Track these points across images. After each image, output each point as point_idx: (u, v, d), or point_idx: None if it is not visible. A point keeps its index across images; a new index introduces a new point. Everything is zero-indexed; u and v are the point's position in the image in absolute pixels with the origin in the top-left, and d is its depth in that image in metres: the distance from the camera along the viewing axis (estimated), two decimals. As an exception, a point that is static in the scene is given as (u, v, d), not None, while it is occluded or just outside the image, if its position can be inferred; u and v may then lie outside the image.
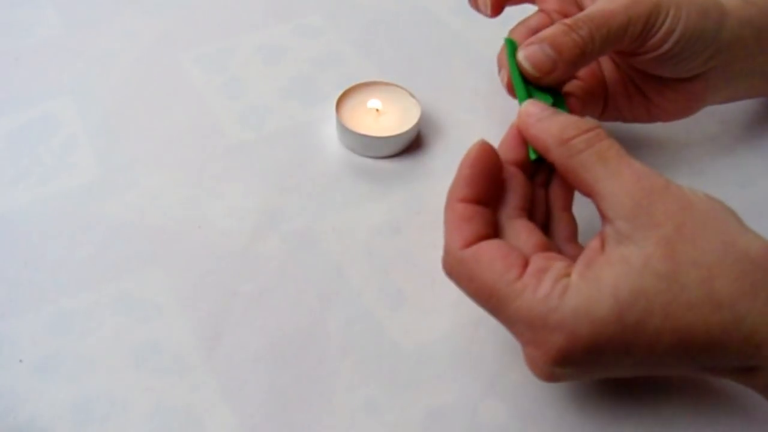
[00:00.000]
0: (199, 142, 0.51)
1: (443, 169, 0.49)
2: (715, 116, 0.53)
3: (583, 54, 0.39)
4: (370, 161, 0.50)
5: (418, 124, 0.50)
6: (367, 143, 0.49)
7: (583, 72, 0.45)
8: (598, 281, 0.32)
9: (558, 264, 0.33)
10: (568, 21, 0.39)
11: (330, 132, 0.52)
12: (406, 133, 0.49)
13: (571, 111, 0.41)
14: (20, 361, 0.40)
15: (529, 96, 0.39)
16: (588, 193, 0.34)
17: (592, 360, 0.32)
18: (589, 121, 0.35)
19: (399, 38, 0.59)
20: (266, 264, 0.44)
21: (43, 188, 0.48)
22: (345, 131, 0.50)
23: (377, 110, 0.51)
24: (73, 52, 0.58)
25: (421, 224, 0.46)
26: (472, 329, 0.41)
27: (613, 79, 0.46)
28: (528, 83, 0.39)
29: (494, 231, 0.35)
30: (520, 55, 0.39)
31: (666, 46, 0.41)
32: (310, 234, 0.46)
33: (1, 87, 0.55)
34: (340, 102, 0.51)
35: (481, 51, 0.58)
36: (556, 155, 0.35)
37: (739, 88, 0.47)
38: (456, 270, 0.35)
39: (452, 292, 0.43)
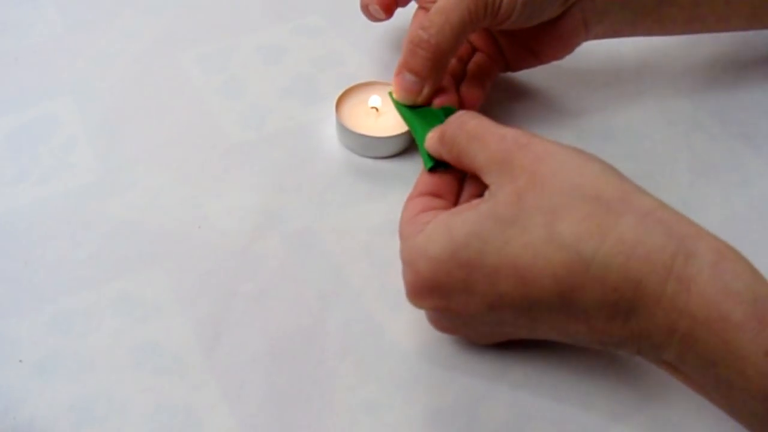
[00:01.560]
0: (199, 142, 0.51)
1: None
2: (715, 116, 0.53)
3: (439, 58, 0.43)
4: (370, 161, 0.50)
5: None
6: (367, 143, 0.49)
7: (480, 45, 0.50)
8: (443, 225, 0.35)
9: (433, 215, 0.36)
10: (413, 36, 0.43)
11: (330, 132, 0.52)
12: (406, 133, 0.49)
13: (467, 100, 0.47)
14: (20, 361, 0.40)
15: (421, 121, 0.44)
16: (474, 173, 0.37)
17: (441, 294, 0.35)
18: (460, 116, 0.38)
19: (399, 38, 0.59)
20: (266, 264, 0.44)
21: (43, 188, 0.48)
22: (344, 131, 0.50)
23: (377, 110, 0.51)
24: (73, 52, 0.58)
25: (421, 224, 0.46)
26: (472, 329, 0.41)
27: (502, 42, 0.50)
28: (418, 109, 0.45)
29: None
30: (395, 96, 0.45)
31: (516, 12, 0.43)
32: (310, 234, 0.46)
33: (1, 87, 0.55)
34: (339, 102, 0.51)
35: (481, 51, 0.58)
36: (444, 154, 0.39)
37: (615, 22, 0.48)
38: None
39: (452, 292, 0.43)
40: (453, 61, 0.47)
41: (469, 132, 0.37)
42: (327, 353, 0.40)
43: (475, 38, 0.50)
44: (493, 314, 0.35)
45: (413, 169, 0.50)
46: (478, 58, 0.50)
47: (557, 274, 0.32)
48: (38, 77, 0.56)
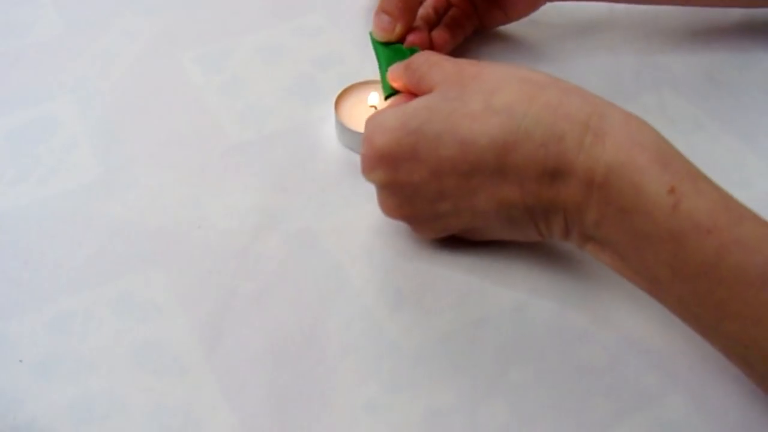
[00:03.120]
0: (199, 142, 0.51)
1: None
2: (715, 116, 0.53)
3: (409, 2, 0.50)
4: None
5: None
6: None
7: (455, 1, 0.56)
8: (398, 106, 0.41)
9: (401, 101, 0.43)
10: None
11: (330, 132, 0.52)
12: None
13: (437, 42, 0.53)
14: (20, 361, 0.40)
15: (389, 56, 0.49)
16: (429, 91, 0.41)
17: (388, 164, 0.40)
18: (426, 54, 0.44)
19: (399, 38, 0.59)
20: (266, 264, 0.44)
21: (43, 188, 0.48)
22: (343, 130, 0.50)
23: (375, 108, 0.51)
24: (73, 52, 0.58)
25: (421, 224, 0.46)
26: (472, 329, 0.41)
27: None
28: (390, 46, 0.50)
29: None
30: (373, 32, 0.50)
31: None
32: (310, 234, 0.46)
33: (1, 87, 0.55)
34: (338, 101, 0.51)
35: (480, 50, 0.58)
36: (405, 79, 0.43)
37: None
38: None
39: (452, 292, 0.43)
40: (429, 11, 0.54)
41: (430, 60, 0.42)
42: (327, 353, 0.40)
43: None
44: (435, 182, 0.39)
45: (413, 169, 0.50)
46: (452, 11, 0.55)
47: (493, 134, 0.37)
48: (38, 77, 0.56)
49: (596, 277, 0.43)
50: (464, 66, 0.40)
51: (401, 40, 0.50)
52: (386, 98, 0.46)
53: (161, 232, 0.46)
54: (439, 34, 0.53)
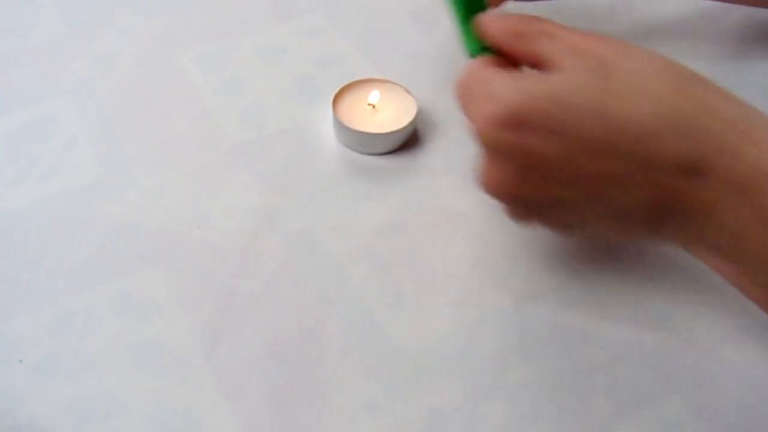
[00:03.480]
0: (199, 142, 0.51)
1: (440, 166, 0.49)
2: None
3: None
4: (369, 159, 0.50)
5: (414, 120, 0.50)
6: (364, 140, 0.49)
7: None
8: (535, 73, 0.36)
9: (515, 70, 0.37)
10: None
11: (330, 131, 0.52)
12: (403, 129, 0.49)
13: None
14: (20, 361, 0.40)
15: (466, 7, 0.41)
16: (543, 63, 0.37)
17: (525, 127, 0.34)
18: (530, 17, 0.38)
19: (398, 38, 0.59)
20: (266, 264, 0.44)
21: (43, 188, 0.48)
22: (342, 128, 0.50)
23: (373, 106, 0.51)
24: (73, 52, 0.58)
25: (421, 224, 0.46)
26: (472, 329, 0.41)
27: None
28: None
29: None
30: None
31: None
32: (310, 234, 0.46)
33: (1, 87, 0.55)
34: (336, 100, 0.51)
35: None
36: (514, 45, 0.38)
37: None
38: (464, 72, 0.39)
39: (452, 292, 0.43)
40: None
41: (548, 30, 0.37)
42: (327, 353, 0.40)
43: None
44: (568, 162, 0.35)
45: (411, 167, 0.50)
46: None
47: (645, 122, 0.34)
48: (38, 77, 0.56)
49: (596, 277, 0.43)
50: (597, 45, 0.36)
51: None
52: (473, 56, 0.40)
53: (161, 232, 0.46)
54: None
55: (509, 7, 0.51)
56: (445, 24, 0.60)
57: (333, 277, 0.44)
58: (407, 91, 0.52)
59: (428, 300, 0.43)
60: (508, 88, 0.35)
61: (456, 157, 0.50)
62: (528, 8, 0.55)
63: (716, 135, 0.34)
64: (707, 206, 0.34)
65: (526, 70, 0.37)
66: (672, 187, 0.34)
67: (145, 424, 0.38)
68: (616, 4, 0.59)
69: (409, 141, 0.51)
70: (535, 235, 0.45)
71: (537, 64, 0.37)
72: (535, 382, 0.39)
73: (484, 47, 0.39)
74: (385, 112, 0.51)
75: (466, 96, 0.37)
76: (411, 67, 0.56)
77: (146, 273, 0.44)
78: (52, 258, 0.45)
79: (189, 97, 0.55)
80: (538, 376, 0.39)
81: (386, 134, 0.49)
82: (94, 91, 0.55)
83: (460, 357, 0.40)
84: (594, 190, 0.36)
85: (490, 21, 0.39)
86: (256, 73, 0.56)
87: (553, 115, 0.34)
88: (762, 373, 0.40)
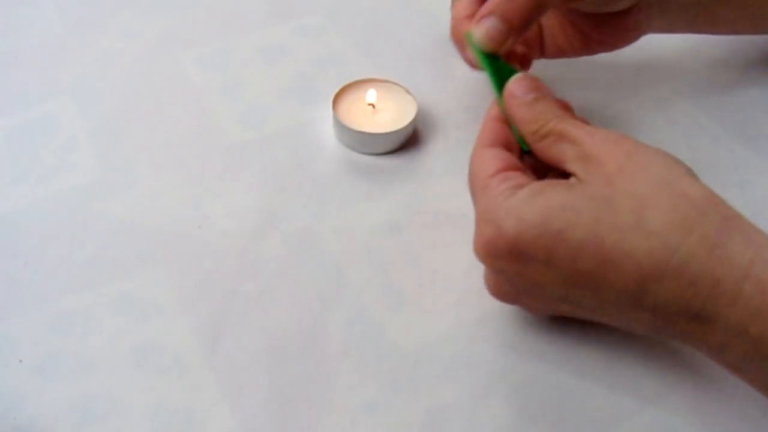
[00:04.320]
0: (199, 142, 0.51)
1: (440, 167, 0.49)
2: (715, 116, 0.53)
3: (534, 10, 0.41)
4: (369, 159, 0.50)
5: (414, 120, 0.50)
6: (365, 140, 0.49)
7: None
8: (539, 194, 0.35)
9: (522, 178, 0.37)
10: None
11: (330, 131, 0.52)
12: (403, 129, 0.49)
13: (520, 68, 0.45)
14: (20, 361, 0.40)
15: (496, 73, 0.41)
16: (557, 165, 0.37)
17: (516, 259, 0.35)
18: (551, 113, 0.38)
19: (398, 38, 0.59)
20: (266, 264, 0.44)
21: (43, 188, 0.48)
22: (342, 128, 0.50)
23: (373, 106, 0.51)
24: (73, 52, 0.58)
25: (421, 224, 0.46)
26: (472, 329, 0.41)
27: (550, 21, 0.49)
28: (493, 58, 0.42)
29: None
30: (475, 38, 0.42)
31: None
32: (310, 234, 0.46)
33: (1, 87, 0.55)
34: (336, 99, 0.51)
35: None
36: (530, 142, 0.39)
37: (675, 20, 0.49)
38: (471, 157, 0.40)
39: (452, 292, 0.43)
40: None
41: (561, 130, 0.37)
42: (327, 353, 0.40)
43: None
44: (563, 289, 0.35)
45: (411, 166, 0.50)
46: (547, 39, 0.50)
47: (640, 260, 0.32)
48: (38, 77, 0.56)
49: (596, 277, 0.43)
50: (605, 149, 0.35)
51: (504, 54, 0.42)
52: (525, 153, 0.40)
53: (161, 232, 0.46)
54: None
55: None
56: (445, 24, 0.60)
57: (333, 277, 0.44)
58: (407, 91, 0.52)
59: (428, 300, 0.43)
60: (509, 217, 0.35)
61: (456, 157, 0.50)
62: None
63: (727, 285, 0.31)
64: (717, 345, 0.33)
65: (532, 183, 0.36)
66: (675, 325, 0.34)
67: (145, 424, 0.38)
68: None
69: (409, 141, 0.51)
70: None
71: (554, 163, 0.37)
72: (535, 382, 0.39)
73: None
74: (385, 112, 0.51)
75: (474, 193, 0.38)
76: (411, 67, 0.56)
77: (146, 273, 0.44)
78: (52, 258, 0.45)
79: (189, 97, 0.55)
80: (538, 376, 0.39)
81: (386, 134, 0.49)
82: (94, 91, 0.55)
83: (460, 357, 0.40)
84: (590, 311, 0.36)
85: (512, 106, 0.39)
86: (256, 73, 0.56)
87: (550, 250, 0.34)
88: (762, 373, 0.40)
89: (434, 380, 0.39)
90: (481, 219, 0.36)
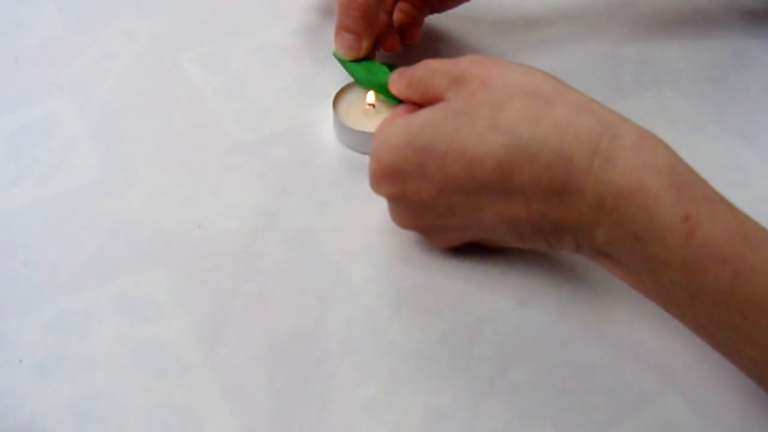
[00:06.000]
0: (199, 142, 0.51)
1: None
2: (715, 116, 0.53)
3: (369, 15, 0.48)
4: (369, 159, 0.50)
5: None
6: (364, 140, 0.49)
7: None
8: (403, 120, 0.39)
9: (402, 111, 0.42)
10: None
11: (330, 131, 0.52)
12: None
13: (392, 44, 0.53)
14: (20, 361, 0.40)
15: (371, 73, 0.49)
16: (439, 101, 0.40)
17: (398, 180, 0.39)
18: (423, 62, 0.43)
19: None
20: (266, 264, 0.44)
21: (43, 188, 0.48)
22: (342, 128, 0.50)
23: (373, 106, 0.51)
24: (73, 52, 0.58)
25: (421, 224, 0.46)
26: (472, 329, 0.41)
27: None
28: (363, 62, 0.50)
29: None
30: (337, 52, 0.50)
31: None
32: (310, 234, 0.46)
33: (1, 87, 0.55)
34: (336, 99, 0.51)
35: (479, 50, 0.58)
36: (411, 94, 0.43)
37: None
38: None
39: (452, 292, 0.43)
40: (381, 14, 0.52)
41: (431, 67, 0.41)
42: (327, 353, 0.40)
43: None
44: (443, 198, 0.39)
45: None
46: (402, 5, 0.55)
47: (498, 155, 0.36)
48: (38, 77, 0.56)
49: (596, 277, 0.43)
50: (468, 68, 0.39)
51: (370, 55, 0.50)
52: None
53: (161, 232, 0.46)
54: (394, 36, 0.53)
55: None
56: (445, 24, 0.60)
57: (333, 277, 0.44)
58: (407, 91, 0.52)
59: (428, 300, 0.43)
60: (383, 146, 0.39)
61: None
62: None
63: (579, 161, 0.34)
64: (586, 225, 0.36)
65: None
66: (546, 211, 0.36)
67: (145, 424, 0.38)
68: (612, 4, 0.59)
69: (409, 141, 0.51)
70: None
71: (435, 100, 0.41)
72: (535, 382, 0.39)
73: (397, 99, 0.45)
74: (385, 112, 0.51)
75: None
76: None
77: (146, 273, 0.44)
78: (52, 258, 0.45)
79: (189, 97, 0.55)
80: (538, 376, 0.39)
81: (386, 134, 0.49)
82: (94, 91, 0.55)
83: (460, 357, 0.40)
84: (475, 218, 0.39)
85: (393, 84, 0.44)
86: (256, 73, 0.56)
87: (420, 165, 0.38)
88: (762, 373, 0.40)
89: (434, 380, 0.39)
90: (370, 156, 0.41)
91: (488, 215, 0.39)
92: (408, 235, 0.45)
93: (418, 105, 0.42)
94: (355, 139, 0.50)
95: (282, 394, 0.39)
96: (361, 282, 0.43)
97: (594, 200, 0.35)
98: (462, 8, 0.57)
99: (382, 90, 0.47)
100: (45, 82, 0.56)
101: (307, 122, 0.53)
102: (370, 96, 0.51)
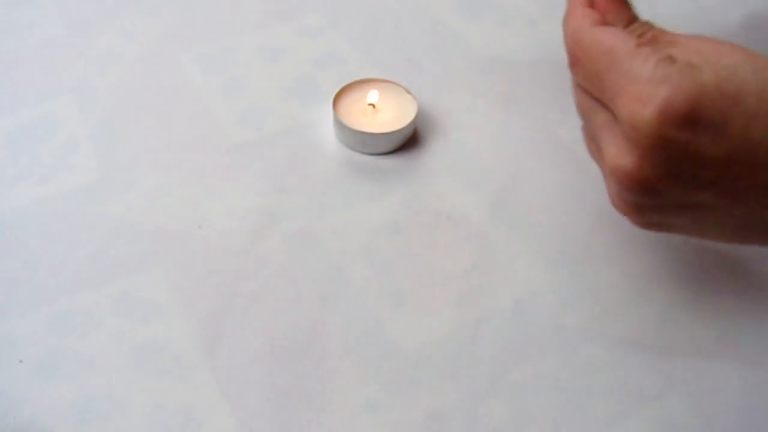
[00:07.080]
0: (199, 142, 0.51)
1: (440, 166, 0.49)
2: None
3: None
4: (369, 159, 0.50)
5: (414, 120, 0.50)
6: (364, 140, 0.49)
7: None
8: (701, 53, 0.31)
9: (667, 37, 0.34)
10: None
11: (330, 132, 0.52)
12: (403, 129, 0.49)
13: None
14: (20, 361, 0.40)
15: None
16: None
17: (692, 125, 0.30)
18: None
19: (399, 38, 0.59)
20: (266, 264, 0.44)
21: (43, 188, 0.48)
22: (342, 128, 0.50)
23: (374, 106, 0.51)
24: (73, 52, 0.58)
25: (421, 224, 0.46)
26: (472, 329, 0.41)
27: None
28: None
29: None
30: None
31: None
32: (310, 234, 0.46)
33: (1, 87, 0.55)
34: (336, 99, 0.51)
35: (479, 50, 0.58)
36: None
37: None
38: (582, 41, 0.35)
39: (452, 292, 0.43)
40: None
41: (658, 38, 0.34)
42: (327, 353, 0.40)
43: None
44: (725, 167, 0.31)
45: (411, 166, 0.50)
46: None
47: None
48: (38, 77, 0.56)
49: (596, 277, 0.43)
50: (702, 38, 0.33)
51: None
52: None
53: (161, 232, 0.46)
54: None
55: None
56: (445, 23, 0.60)
57: (333, 277, 0.44)
58: (407, 91, 0.52)
59: (428, 300, 0.43)
60: (684, 77, 0.30)
61: (456, 157, 0.50)
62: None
63: None
64: None
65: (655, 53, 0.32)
66: None
67: (145, 424, 0.38)
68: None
69: (409, 141, 0.51)
70: (535, 235, 0.45)
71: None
72: (535, 382, 0.39)
73: None
74: (385, 112, 0.51)
75: (613, 67, 0.33)
76: (411, 66, 0.56)
77: (146, 273, 0.44)
78: (52, 258, 0.45)
79: (189, 97, 0.55)
80: (538, 376, 0.39)
81: (386, 134, 0.49)
82: (94, 91, 0.55)
83: (460, 357, 0.40)
84: (741, 200, 0.32)
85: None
86: (256, 73, 0.56)
87: (725, 116, 0.30)
88: (762, 373, 0.40)
89: (434, 380, 0.39)
90: (648, 81, 0.31)
91: (757, 203, 0.32)
92: (408, 236, 0.45)
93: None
94: (355, 139, 0.50)
95: (282, 394, 0.39)
96: (361, 282, 0.43)
97: None
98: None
99: None
100: (45, 82, 0.56)
101: (308, 122, 0.53)
102: (370, 96, 0.51)
